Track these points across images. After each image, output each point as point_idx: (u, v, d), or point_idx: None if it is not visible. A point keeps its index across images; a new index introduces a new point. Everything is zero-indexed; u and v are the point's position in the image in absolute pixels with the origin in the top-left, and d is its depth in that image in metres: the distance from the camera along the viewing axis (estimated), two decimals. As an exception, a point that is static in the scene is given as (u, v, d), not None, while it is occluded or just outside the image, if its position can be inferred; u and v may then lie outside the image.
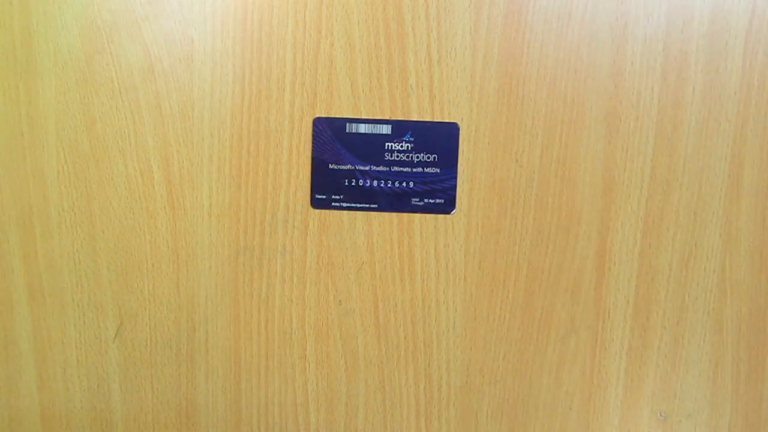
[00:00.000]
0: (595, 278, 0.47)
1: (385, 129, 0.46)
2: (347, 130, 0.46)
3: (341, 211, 0.46)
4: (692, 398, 0.49)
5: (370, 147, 0.46)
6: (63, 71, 0.46)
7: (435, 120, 0.46)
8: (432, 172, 0.46)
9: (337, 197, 0.46)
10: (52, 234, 0.46)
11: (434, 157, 0.46)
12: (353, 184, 0.46)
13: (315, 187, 0.46)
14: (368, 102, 0.46)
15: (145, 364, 0.47)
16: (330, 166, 0.46)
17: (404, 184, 0.46)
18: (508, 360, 0.48)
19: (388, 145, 0.46)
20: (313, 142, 0.46)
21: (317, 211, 0.47)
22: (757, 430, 0.50)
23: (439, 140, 0.45)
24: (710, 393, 0.49)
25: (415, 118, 0.46)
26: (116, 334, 0.47)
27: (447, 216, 0.46)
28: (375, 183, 0.46)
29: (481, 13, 0.46)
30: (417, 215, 0.46)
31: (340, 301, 0.47)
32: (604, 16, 0.46)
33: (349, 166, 0.46)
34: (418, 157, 0.46)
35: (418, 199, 0.47)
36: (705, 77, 0.47)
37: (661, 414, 0.49)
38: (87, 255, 0.47)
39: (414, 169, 0.46)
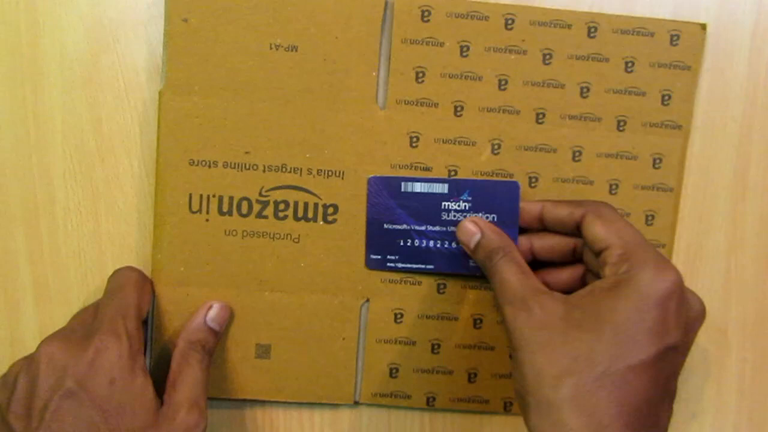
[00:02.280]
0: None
1: (442, 188, 0.45)
2: (402, 190, 0.45)
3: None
4: (697, 399, 0.49)
5: (426, 206, 0.45)
6: (69, 70, 0.46)
7: (494, 178, 0.45)
8: None
9: (393, 257, 0.45)
10: (58, 233, 0.47)
11: (494, 217, 0.44)
12: (409, 244, 0.45)
13: (370, 248, 0.45)
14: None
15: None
16: (385, 226, 0.45)
17: None
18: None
19: (445, 205, 0.45)
20: (367, 202, 0.45)
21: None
22: (763, 431, 0.49)
23: (498, 199, 0.43)
24: (715, 394, 0.49)
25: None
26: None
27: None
28: (431, 243, 0.45)
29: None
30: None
31: None
32: (610, 16, 0.46)
33: (404, 226, 0.45)
34: None
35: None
36: (710, 77, 0.47)
37: (665, 418, 0.49)
38: (93, 254, 0.47)
39: None
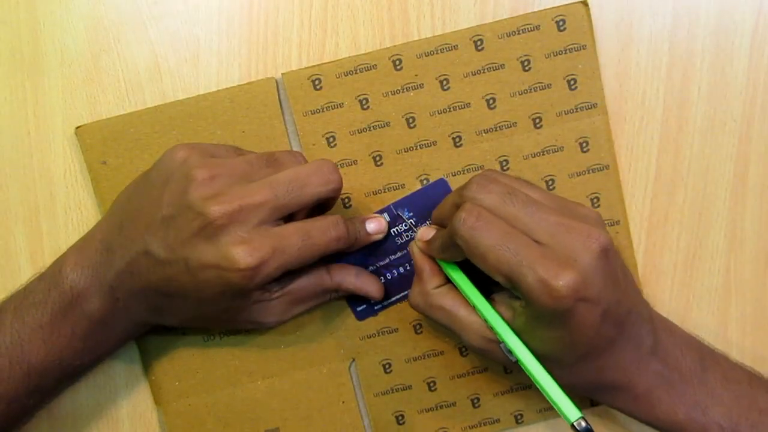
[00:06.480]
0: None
1: (384, 218, 0.46)
2: None
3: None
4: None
5: (379, 241, 0.46)
6: (69, 70, 0.47)
7: (422, 186, 0.46)
8: None
9: (376, 300, 0.47)
10: (58, 232, 0.47)
11: None
12: (383, 281, 0.47)
13: (352, 302, 0.47)
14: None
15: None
16: None
17: None
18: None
19: (394, 231, 0.47)
20: None
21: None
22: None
23: (435, 203, 0.43)
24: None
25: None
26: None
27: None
28: (401, 270, 0.47)
29: (486, 12, 0.46)
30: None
31: None
32: (610, 15, 0.46)
33: (370, 268, 0.47)
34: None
35: None
36: (711, 77, 0.47)
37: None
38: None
39: None
